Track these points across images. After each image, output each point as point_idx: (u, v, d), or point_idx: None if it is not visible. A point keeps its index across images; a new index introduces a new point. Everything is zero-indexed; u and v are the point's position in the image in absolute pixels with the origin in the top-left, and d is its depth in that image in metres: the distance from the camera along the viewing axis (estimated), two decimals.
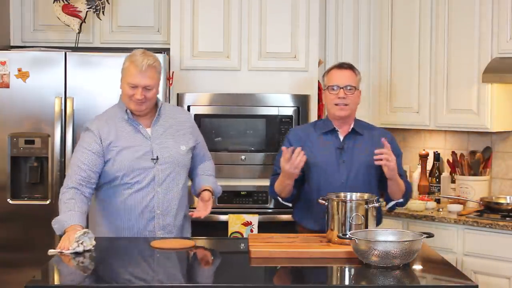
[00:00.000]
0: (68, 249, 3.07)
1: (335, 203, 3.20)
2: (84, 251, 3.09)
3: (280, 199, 3.64)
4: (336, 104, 3.56)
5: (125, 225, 3.47)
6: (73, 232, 3.13)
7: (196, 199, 3.68)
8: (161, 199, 3.47)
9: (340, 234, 3.09)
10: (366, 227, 3.16)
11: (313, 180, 3.58)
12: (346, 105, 3.56)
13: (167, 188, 3.48)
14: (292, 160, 3.40)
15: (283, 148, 3.45)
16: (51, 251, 3.10)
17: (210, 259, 3.24)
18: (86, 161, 3.39)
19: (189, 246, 3.28)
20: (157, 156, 3.45)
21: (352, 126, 3.63)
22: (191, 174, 3.72)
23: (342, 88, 3.55)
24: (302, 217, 3.66)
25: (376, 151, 3.42)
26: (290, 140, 3.65)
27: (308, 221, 3.62)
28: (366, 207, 3.18)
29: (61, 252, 3.07)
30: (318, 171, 3.57)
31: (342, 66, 3.64)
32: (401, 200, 3.62)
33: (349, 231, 3.08)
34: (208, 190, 3.60)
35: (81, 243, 3.10)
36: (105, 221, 3.51)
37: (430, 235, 2.98)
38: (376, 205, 3.22)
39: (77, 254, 3.07)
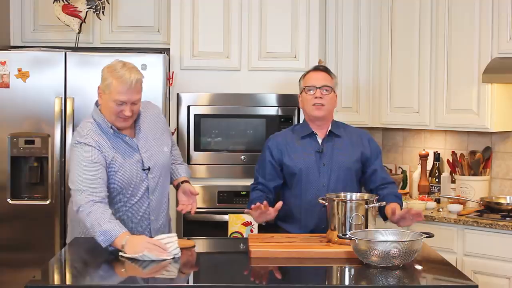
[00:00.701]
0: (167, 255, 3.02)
1: (335, 203, 3.21)
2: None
3: None
4: (313, 105, 3.58)
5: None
6: (150, 240, 3.05)
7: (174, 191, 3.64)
8: (154, 205, 3.46)
9: (340, 234, 3.09)
10: (366, 227, 3.16)
11: (294, 185, 3.60)
12: (322, 105, 3.57)
13: (158, 193, 3.47)
14: (263, 214, 3.40)
15: (245, 210, 3.49)
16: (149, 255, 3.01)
17: (210, 259, 3.23)
18: (97, 174, 3.24)
19: (190, 246, 3.27)
20: (148, 167, 3.39)
21: (329, 128, 3.64)
22: None
23: (319, 88, 3.57)
24: (284, 221, 3.65)
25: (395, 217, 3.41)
26: (270, 147, 3.66)
27: (290, 226, 3.62)
28: (366, 207, 3.18)
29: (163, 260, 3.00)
30: (299, 176, 3.57)
31: (318, 68, 3.70)
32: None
33: (349, 231, 3.08)
34: (187, 181, 3.57)
35: (175, 248, 3.05)
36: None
37: (430, 235, 2.98)
38: (376, 205, 3.22)
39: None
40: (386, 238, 2.95)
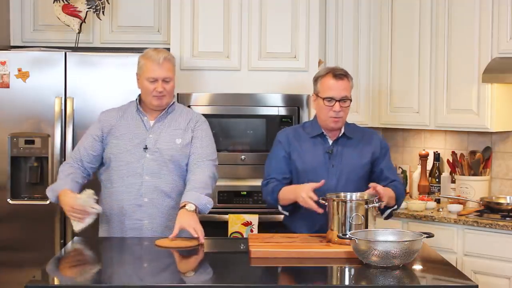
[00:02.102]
0: (83, 218, 3.35)
1: (335, 203, 3.20)
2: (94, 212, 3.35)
3: (279, 207, 3.56)
4: (330, 117, 3.49)
5: (116, 205, 3.56)
6: (72, 198, 3.38)
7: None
8: (148, 188, 3.54)
9: (340, 234, 3.09)
10: (366, 227, 3.15)
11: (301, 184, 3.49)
12: (340, 117, 3.50)
13: (156, 178, 3.55)
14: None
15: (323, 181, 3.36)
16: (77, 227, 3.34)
17: (210, 259, 3.23)
18: (87, 145, 3.63)
19: (195, 245, 3.25)
20: (146, 145, 3.56)
21: (342, 131, 3.57)
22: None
23: (338, 101, 3.46)
24: (291, 221, 3.63)
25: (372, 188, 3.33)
26: (281, 141, 3.61)
27: (298, 225, 3.58)
28: (366, 207, 3.17)
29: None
30: (307, 176, 3.50)
31: (338, 75, 3.49)
32: (395, 206, 3.56)
33: (349, 231, 3.08)
34: (183, 207, 3.37)
35: (91, 207, 3.34)
36: (102, 202, 3.59)
37: (430, 235, 2.98)
38: (376, 205, 3.21)
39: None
40: (386, 238, 2.95)
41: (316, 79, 3.57)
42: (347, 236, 2.96)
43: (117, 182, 3.57)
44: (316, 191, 3.35)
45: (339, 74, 3.51)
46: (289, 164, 3.58)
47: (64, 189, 3.44)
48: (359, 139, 3.60)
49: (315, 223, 3.48)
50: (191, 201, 3.36)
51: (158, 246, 3.24)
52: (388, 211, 3.57)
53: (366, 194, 3.28)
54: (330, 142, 3.57)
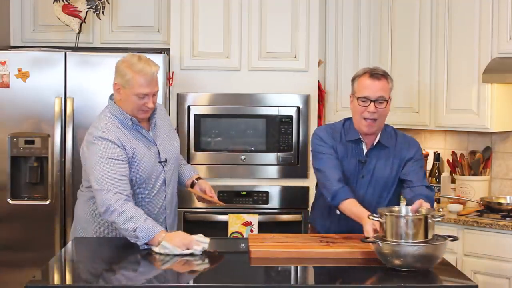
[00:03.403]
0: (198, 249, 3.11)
1: (393, 218, 2.90)
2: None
3: (338, 211, 3.38)
4: (364, 118, 3.32)
5: None
6: (183, 235, 3.14)
7: (191, 190, 3.67)
8: (169, 199, 3.51)
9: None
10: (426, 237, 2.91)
11: None
12: (375, 120, 3.31)
13: (172, 187, 3.53)
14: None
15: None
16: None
17: (210, 259, 3.23)
18: (121, 171, 3.24)
19: (221, 205, 3.56)
20: (165, 159, 3.43)
21: (378, 138, 3.41)
22: None
23: (373, 101, 3.30)
24: (315, 219, 3.61)
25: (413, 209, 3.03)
26: (323, 139, 3.42)
27: (320, 226, 3.56)
28: (425, 222, 2.89)
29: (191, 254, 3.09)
30: None
31: (375, 75, 3.34)
32: None
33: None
34: (200, 178, 3.65)
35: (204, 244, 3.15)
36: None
37: (454, 239, 2.93)
38: (438, 219, 2.92)
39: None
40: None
41: (353, 79, 3.41)
42: (370, 239, 2.91)
43: (143, 201, 3.39)
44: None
45: (376, 73, 3.35)
46: (339, 165, 3.37)
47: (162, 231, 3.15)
48: (394, 148, 3.42)
49: (338, 230, 3.43)
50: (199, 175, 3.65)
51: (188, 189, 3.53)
52: None
53: (424, 209, 3.01)
54: (365, 151, 3.42)
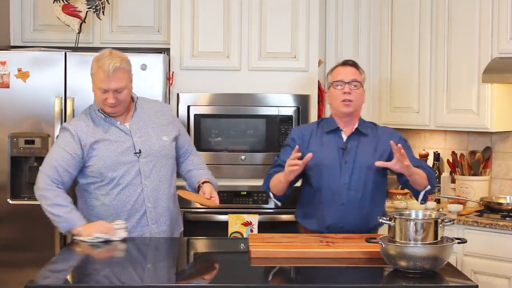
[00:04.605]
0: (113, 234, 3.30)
1: (402, 221, 2.89)
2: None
3: (271, 194, 3.59)
4: (341, 101, 3.51)
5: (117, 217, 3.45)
6: (103, 223, 3.31)
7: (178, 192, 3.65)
8: (150, 191, 3.48)
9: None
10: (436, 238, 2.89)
11: (314, 180, 3.52)
12: (351, 101, 3.50)
13: (154, 180, 3.49)
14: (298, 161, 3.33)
15: (310, 155, 3.36)
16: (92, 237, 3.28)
17: (210, 259, 3.24)
18: (63, 163, 3.42)
19: (214, 206, 3.48)
20: (139, 150, 3.46)
21: (356, 125, 3.57)
22: (181, 170, 3.72)
23: (347, 83, 3.51)
24: (303, 217, 3.62)
25: (377, 163, 3.34)
26: (294, 138, 3.60)
27: (309, 222, 3.58)
28: (435, 225, 2.89)
29: (107, 240, 3.29)
30: (319, 171, 3.50)
31: (346, 63, 3.61)
32: (429, 187, 3.48)
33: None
34: (207, 181, 3.62)
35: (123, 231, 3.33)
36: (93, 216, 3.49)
37: (463, 241, 2.93)
38: (448, 224, 2.95)
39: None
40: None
41: (328, 74, 3.65)
42: (376, 240, 2.91)
43: (111, 194, 3.46)
44: (330, 186, 3.46)
45: (348, 61, 3.62)
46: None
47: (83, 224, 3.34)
48: (377, 137, 3.57)
49: (325, 220, 3.49)
50: (208, 179, 3.63)
51: (181, 196, 3.43)
52: (422, 193, 3.49)
53: (434, 213, 3.01)
54: (345, 138, 3.56)
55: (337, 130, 3.57)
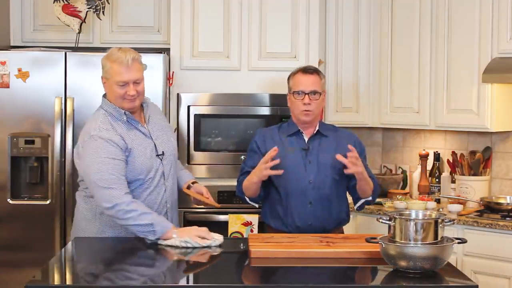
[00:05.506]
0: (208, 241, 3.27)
1: (402, 221, 2.89)
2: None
3: (247, 198, 3.67)
4: (302, 110, 3.57)
5: None
6: (198, 229, 3.32)
7: (187, 191, 3.71)
8: (169, 192, 3.55)
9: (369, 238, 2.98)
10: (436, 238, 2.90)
11: (279, 181, 3.58)
12: (310, 111, 3.58)
13: (171, 181, 3.56)
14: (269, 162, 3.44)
15: (275, 148, 3.46)
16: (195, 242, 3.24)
17: (210, 259, 3.23)
18: (121, 171, 3.32)
19: (217, 206, 3.60)
20: (162, 152, 3.50)
21: (317, 128, 3.65)
22: None
23: (307, 94, 3.57)
24: (269, 217, 3.68)
25: (338, 156, 3.44)
26: (257, 141, 3.68)
27: (275, 221, 3.64)
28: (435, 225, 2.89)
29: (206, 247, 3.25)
30: (285, 173, 3.53)
31: (307, 70, 3.64)
32: (370, 198, 3.63)
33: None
34: (196, 182, 3.72)
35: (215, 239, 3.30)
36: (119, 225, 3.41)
37: (463, 241, 2.93)
38: (448, 224, 2.96)
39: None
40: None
41: (288, 78, 3.69)
42: (377, 240, 2.91)
43: (142, 196, 3.43)
44: (296, 186, 3.53)
45: (308, 69, 3.65)
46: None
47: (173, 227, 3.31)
48: (336, 139, 3.66)
49: (294, 219, 3.57)
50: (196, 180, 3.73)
51: (190, 195, 3.58)
52: (363, 200, 3.63)
53: (434, 213, 3.02)
54: (306, 139, 3.64)
55: (298, 133, 3.65)
